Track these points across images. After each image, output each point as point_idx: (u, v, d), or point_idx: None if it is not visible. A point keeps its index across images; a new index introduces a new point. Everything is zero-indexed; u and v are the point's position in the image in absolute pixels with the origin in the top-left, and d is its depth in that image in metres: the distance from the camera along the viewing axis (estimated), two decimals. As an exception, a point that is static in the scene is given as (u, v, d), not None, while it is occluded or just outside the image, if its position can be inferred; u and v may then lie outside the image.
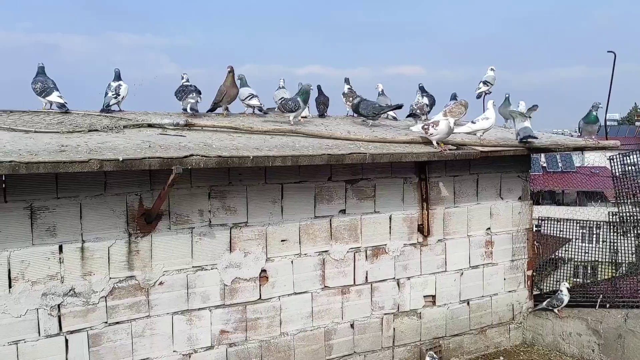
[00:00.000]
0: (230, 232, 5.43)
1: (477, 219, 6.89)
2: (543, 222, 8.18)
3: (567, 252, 9.63)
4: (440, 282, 6.68)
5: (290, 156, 5.05)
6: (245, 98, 6.61)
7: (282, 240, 5.70)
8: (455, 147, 6.08)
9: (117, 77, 6.01)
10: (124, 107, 6.18)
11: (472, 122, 6.52)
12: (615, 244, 7.35)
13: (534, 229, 9.59)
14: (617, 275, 7.66)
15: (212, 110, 6.61)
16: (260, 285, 5.61)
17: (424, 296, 6.59)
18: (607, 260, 8.87)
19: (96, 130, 5.11)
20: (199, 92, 6.14)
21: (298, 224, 5.78)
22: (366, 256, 6.19)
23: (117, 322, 4.95)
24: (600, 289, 7.19)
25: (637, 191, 6.89)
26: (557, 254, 9.91)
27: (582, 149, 7.44)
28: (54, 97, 5.55)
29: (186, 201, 5.18)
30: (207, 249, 5.32)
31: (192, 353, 5.29)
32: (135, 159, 4.31)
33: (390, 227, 6.33)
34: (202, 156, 4.59)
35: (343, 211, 6.04)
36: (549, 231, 9.29)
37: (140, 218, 4.96)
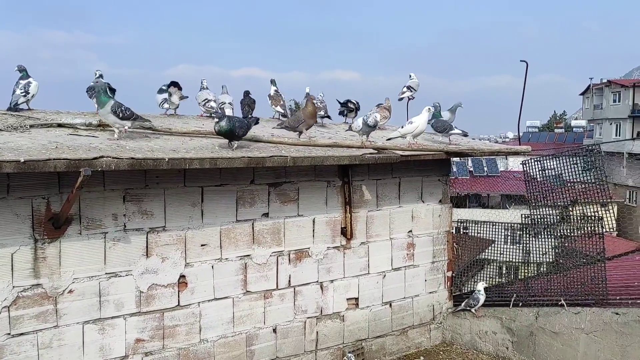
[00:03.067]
0: (146, 237, 5.24)
1: (399, 221, 7.02)
2: (462, 224, 8.46)
3: (489, 254, 10.03)
4: (363, 284, 6.75)
5: (209, 158, 4.94)
6: (203, 101, 6.75)
7: (202, 245, 5.57)
8: (376, 151, 6.16)
9: (26, 75, 5.69)
10: (34, 106, 5.86)
11: (402, 126, 6.66)
12: (528, 245, 7.70)
13: (461, 231, 9.93)
14: (530, 275, 8.03)
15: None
16: (179, 291, 5.46)
17: (347, 299, 6.64)
18: (524, 261, 9.29)
19: (-1, 129, 4.80)
20: (112, 89, 5.90)
21: (219, 227, 5.67)
22: (289, 260, 6.17)
23: (22, 333, 4.65)
24: (514, 288, 7.50)
25: (548, 194, 7.24)
26: (481, 255, 10.29)
27: (496, 154, 7.76)
28: (-48, 93, 5.19)
29: (99, 205, 4.96)
30: (121, 254, 5.11)
31: (104, 363, 5.06)
32: (39, 160, 4.07)
33: (313, 230, 6.33)
34: (113, 158, 4.40)
35: (266, 214, 5.98)
36: (473, 233, 9.64)
37: (47, 223, 4.70)
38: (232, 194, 5.75)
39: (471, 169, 36.62)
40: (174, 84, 6.61)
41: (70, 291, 4.86)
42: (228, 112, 6.93)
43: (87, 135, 5.07)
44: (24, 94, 5.63)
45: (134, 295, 5.20)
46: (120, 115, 4.97)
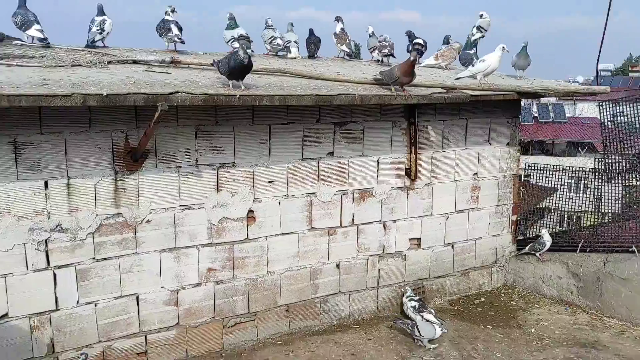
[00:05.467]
0: (217, 172, 5.42)
1: (465, 164, 6.92)
2: (530, 169, 8.23)
3: (553, 202, 9.75)
4: (426, 225, 6.77)
5: (278, 96, 4.98)
6: (269, 39, 6.78)
7: (269, 182, 5.71)
8: (445, 90, 6.02)
9: (101, 12, 5.84)
10: (108, 43, 6.04)
11: (472, 65, 6.46)
12: (600, 191, 7.44)
13: (523, 178, 9.68)
14: (600, 222, 7.80)
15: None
16: (247, 225, 5.66)
17: (410, 239, 6.69)
18: (591, 209, 8.98)
19: (79, 65, 5.00)
20: (180, 28, 5.98)
21: (286, 165, 5.78)
22: (353, 199, 6.24)
23: (105, 258, 5.00)
24: (582, 235, 7.32)
25: (624, 139, 6.91)
26: (543, 203, 10.03)
27: (572, 94, 7.41)
28: (34, 31, 5.38)
29: (173, 140, 5.14)
30: (194, 188, 5.32)
31: (179, 289, 5.39)
32: (120, 95, 4.23)
33: (377, 170, 6.35)
34: (188, 93, 4.52)
35: (331, 154, 6.03)
36: (536, 180, 9.37)
37: (126, 156, 4.93)
38: (299, 133, 5.81)
39: (536, 115, 35.22)
40: (244, 37, 6.45)
41: (148, 221, 5.14)
42: (294, 50, 6.91)
43: (161, 72, 5.20)
44: (99, 31, 5.80)
45: (205, 228, 5.44)
46: None
